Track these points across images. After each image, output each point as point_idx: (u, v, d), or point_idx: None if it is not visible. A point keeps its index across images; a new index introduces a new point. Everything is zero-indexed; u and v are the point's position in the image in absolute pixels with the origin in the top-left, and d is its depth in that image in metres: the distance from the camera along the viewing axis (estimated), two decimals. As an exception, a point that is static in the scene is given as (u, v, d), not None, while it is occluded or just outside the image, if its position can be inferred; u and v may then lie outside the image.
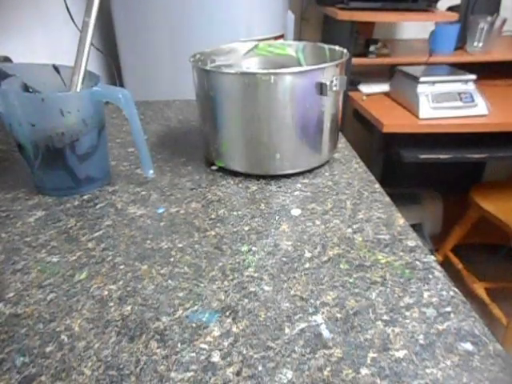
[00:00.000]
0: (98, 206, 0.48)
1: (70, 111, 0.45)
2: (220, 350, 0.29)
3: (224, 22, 0.99)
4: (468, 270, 1.56)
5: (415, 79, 1.29)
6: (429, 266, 0.38)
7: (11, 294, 0.35)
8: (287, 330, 0.31)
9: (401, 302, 0.34)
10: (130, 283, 0.36)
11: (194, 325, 0.32)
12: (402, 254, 0.39)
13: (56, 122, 0.45)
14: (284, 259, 0.39)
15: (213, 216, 0.46)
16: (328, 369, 0.28)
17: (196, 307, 0.33)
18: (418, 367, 0.28)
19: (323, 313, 0.33)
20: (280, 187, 0.51)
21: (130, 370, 0.28)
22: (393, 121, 1.27)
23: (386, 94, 1.48)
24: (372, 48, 1.48)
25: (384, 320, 0.32)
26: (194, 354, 0.29)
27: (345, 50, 0.56)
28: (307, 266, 0.38)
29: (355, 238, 0.41)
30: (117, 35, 1.04)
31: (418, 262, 0.38)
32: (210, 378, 0.28)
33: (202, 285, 0.36)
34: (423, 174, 1.88)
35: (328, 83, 0.48)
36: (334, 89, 0.49)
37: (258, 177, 0.53)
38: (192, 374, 0.28)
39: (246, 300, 0.34)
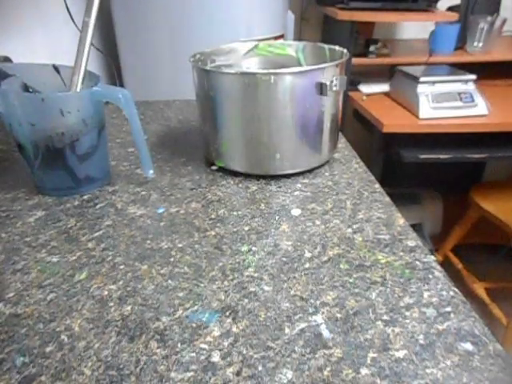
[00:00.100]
0: (98, 206, 0.48)
1: (70, 111, 0.45)
2: (220, 350, 0.29)
3: (224, 22, 0.99)
4: (468, 270, 1.56)
5: (415, 79, 1.29)
6: (429, 265, 0.38)
7: (11, 294, 0.35)
8: (287, 330, 0.31)
9: (401, 302, 0.34)
10: (130, 283, 0.36)
11: (194, 325, 0.32)
12: (401, 254, 0.39)
13: (56, 122, 0.45)
14: (284, 259, 0.39)
15: (213, 216, 0.46)
16: (328, 369, 0.28)
17: (196, 307, 0.33)
18: (418, 367, 0.28)
19: (323, 313, 0.33)
20: (280, 187, 0.51)
21: (130, 370, 0.28)
22: (393, 121, 1.27)
23: (386, 94, 1.48)
24: (372, 48, 1.48)
25: (384, 320, 0.32)
26: (193, 354, 0.29)
27: (345, 50, 0.56)
28: (307, 266, 0.38)
29: (355, 238, 0.41)
30: (117, 35, 1.04)
31: (417, 262, 0.38)
32: (209, 378, 0.28)
33: (202, 285, 0.36)
34: (423, 174, 1.88)
35: (328, 83, 0.48)
36: (334, 89, 0.49)
37: (258, 177, 0.53)
38: (192, 373, 0.28)
39: (246, 300, 0.34)
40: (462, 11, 1.51)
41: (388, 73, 1.63)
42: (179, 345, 0.30)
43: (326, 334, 0.31)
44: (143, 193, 0.50)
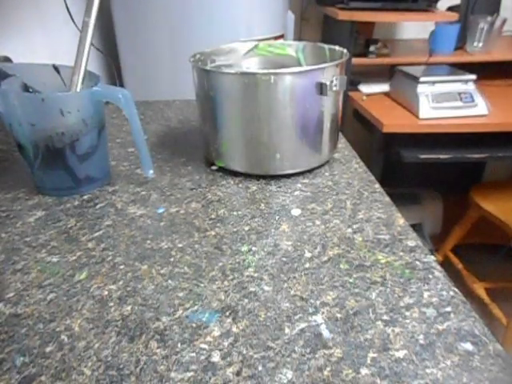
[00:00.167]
0: (98, 206, 0.48)
1: (70, 111, 0.45)
2: (220, 350, 0.29)
3: (224, 22, 0.99)
4: (468, 270, 1.56)
5: (415, 79, 1.29)
6: (429, 265, 0.38)
7: (11, 294, 0.35)
8: (287, 330, 0.31)
9: (401, 302, 0.34)
10: (130, 283, 0.36)
11: (193, 325, 0.32)
12: (401, 254, 0.39)
13: (56, 122, 0.45)
14: (284, 259, 0.39)
15: (213, 216, 0.46)
16: (328, 369, 0.28)
17: (196, 307, 0.33)
18: (417, 367, 0.28)
19: (323, 313, 0.33)
20: (280, 187, 0.51)
21: (130, 370, 0.28)
22: (393, 121, 1.27)
23: (386, 94, 1.48)
24: (372, 48, 1.48)
25: (384, 320, 0.32)
26: (193, 354, 0.29)
27: (345, 50, 0.56)
28: (307, 265, 0.38)
29: (355, 238, 0.41)
30: (117, 35, 1.04)
31: (418, 262, 0.38)
32: (209, 378, 0.28)
33: (202, 285, 0.36)
34: (423, 174, 1.88)
35: (328, 83, 0.48)
36: (334, 89, 0.49)
37: (258, 177, 0.53)
38: (192, 373, 0.28)
39: (246, 300, 0.34)
40: (462, 11, 1.51)
41: (388, 73, 1.63)
42: (179, 345, 0.30)
43: (325, 334, 0.31)
44: (143, 193, 0.50)
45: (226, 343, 0.30)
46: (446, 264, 1.57)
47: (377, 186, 0.52)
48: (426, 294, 0.34)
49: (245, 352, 0.29)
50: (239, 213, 0.46)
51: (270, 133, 0.50)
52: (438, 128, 1.25)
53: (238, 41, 0.80)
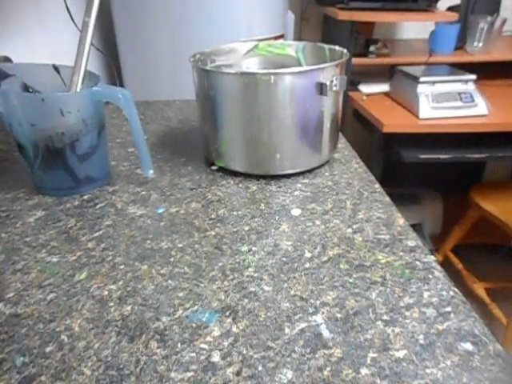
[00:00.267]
0: (98, 206, 0.48)
1: (70, 111, 0.45)
2: (220, 350, 0.29)
3: (224, 22, 0.99)
4: (468, 270, 1.56)
5: (415, 79, 1.29)
6: (429, 265, 0.38)
7: (11, 294, 0.35)
8: (287, 330, 0.31)
9: (401, 302, 0.34)
10: (130, 283, 0.36)
11: (193, 325, 0.32)
12: (401, 254, 0.39)
13: (56, 122, 0.45)
14: (284, 259, 0.39)
15: (213, 216, 0.46)
16: (328, 369, 0.28)
17: (196, 307, 0.33)
18: (417, 367, 0.28)
19: (323, 313, 0.33)
20: (280, 187, 0.51)
21: (130, 370, 0.28)
22: (393, 121, 1.27)
23: (386, 94, 1.48)
24: (372, 48, 1.48)
25: (384, 320, 0.32)
26: (193, 354, 0.29)
27: (345, 50, 0.56)
28: (307, 265, 0.38)
29: (355, 238, 0.41)
30: (117, 35, 1.04)
31: (418, 262, 0.38)
32: (209, 378, 0.28)
33: (202, 285, 0.36)
34: (423, 174, 1.88)
35: (328, 83, 0.48)
36: (334, 89, 0.49)
37: (258, 177, 0.53)
38: (192, 373, 0.28)
39: (246, 300, 0.34)
40: (462, 11, 1.51)
41: (388, 73, 1.63)
42: (179, 345, 0.30)
43: (325, 333, 0.31)
44: (143, 193, 0.50)
45: (225, 343, 0.30)
46: (446, 264, 1.57)
47: (377, 185, 0.52)
48: (425, 294, 0.34)
49: (245, 352, 0.29)
50: (239, 213, 0.46)
51: (270, 133, 0.50)
52: (437, 128, 1.25)
53: (238, 41, 0.80)
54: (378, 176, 1.36)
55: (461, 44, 1.56)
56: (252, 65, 0.64)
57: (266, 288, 0.35)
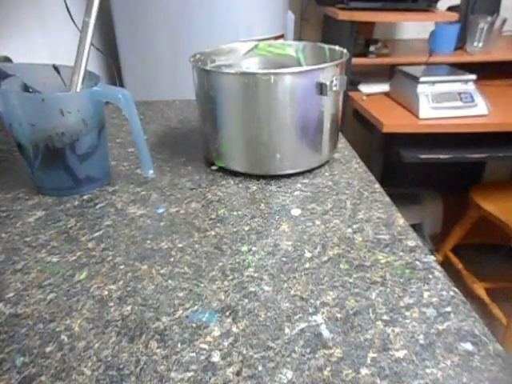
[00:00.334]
0: (98, 206, 0.48)
1: (70, 111, 0.45)
2: (220, 350, 0.29)
3: (224, 22, 0.99)
4: (468, 270, 1.56)
5: (415, 79, 1.29)
6: (429, 266, 0.38)
7: (11, 294, 0.35)
8: (287, 330, 0.31)
9: (401, 302, 0.34)
10: (130, 283, 0.36)
11: (193, 325, 0.32)
12: (401, 254, 0.39)
13: (56, 122, 0.45)
14: (284, 259, 0.39)
15: (213, 216, 0.46)
16: (328, 369, 0.28)
17: (196, 307, 0.33)
18: (418, 367, 0.28)
19: (323, 313, 0.33)
20: (280, 187, 0.51)
21: (130, 370, 0.28)
22: (393, 121, 1.27)
23: (386, 94, 1.48)
24: (372, 48, 1.48)
25: (384, 320, 0.32)
26: (193, 354, 0.29)
27: (345, 50, 0.56)
28: (307, 265, 0.38)
29: (355, 238, 0.41)
30: (117, 35, 1.04)
31: (418, 262, 0.38)
32: (209, 378, 0.28)
33: (202, 285, 0.36)
34: (423, 174, 1.88)
35: (328, 83, 0.48)
36: (334, 89, 0.49)
37: (258, 177, 0.53)
38: (192, 373, 0.28)
39: (246, 300, 0.34)
40: (462, 11, 1.51)
41: (388, 73, 1.63)
42: (179, 345, 0.30)
43: (326, 333, 0.31)
44: (143, 193, 0.50)
45: (226, 343, 0.30)
46: (446, 264, 1.57)
47: (377, 185, 0.52)
48: (425, 294, 0.34)
49: (245, 352, 0.29)
50: (239, 213, 0.46)
51: (270, 133, 0.50)
52: (438, 128, 1.25)
53: (238, 41, 0.80)
54: (378, 176, 1.36)
55: (461, 44, 1.56)
56: (252, 65, 0.64)
57: (266, 288, 0.35)
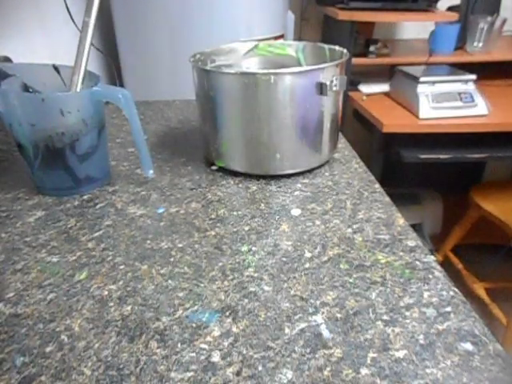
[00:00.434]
0: (98, 206, 0.48)
1: (70, 111, 0.45)
2: (220, 350, 0.29)
3: (224, 22, 0.99)
4: (468, 270, 1.56)
5: (415, 79, 1.29)
6: (429, 266, 0.38)
7: (11, 294, 0.35)
8: (287, 330, 0.31)
9: (401, 302, 0.34)
10: (130, 283, 0.36)
11: (193, 325, 0.32)
12: (401, 253, 0.39)
13: (56, 122, 0.45)
14: (284, 259, 0.39)
15: (213, 216, 0.46)
16: (328, 369, 0.28)
17: (196, 307, 0.33)
18: (418, 367, 0.28)
19: (323, 313, 0.33)
20: (280, 187, 0.51)
21: (130, 370, 0.28)
22: (393, 121, 1.27)
23: (386, 94, 1.48)
24: (372, 48, 1.48)
25: (384, 320, 0.32)
26: (193, 354, 0.29)
27: (345, 50, 0.56)
28: (307, 265, 0.38)
29: (355, 238, 0.41)
30: (117, 35, 1.04)
31: (418, 262, 0.38)
32: (209, 378, 0.28)
33: (202, 285, 0.36)
34: (423, 174, 1.88)
35: (328, 83, 0.48)
36: (334, 89, 0.49)
37: (258, 177, 0.53)
38: (192, 373, 0.28)
39: (246, 300, 0.34)
40: (462, 11, 1.51)
41: (388, 73, 1.63)
42: (179, 345, 0.30)
43: (326, 333, 0.31)
44: (143, 193, 0.50)
45: (225, 343, 0.30)
46: (446, 264, 1.57)
47: (377, 185, 0.52)
48: (425, 294, 0.34)
49: (245, 352, 0.29)
50: (239, 213, 0.46)
51: (270, 133, 0.50)
52: (438, 128, 1.25)
53: (238, 41, 0.80)
54: (378, 176, 1.36)
55: (461, 44, 1.56)
56: (252, 65, 0.64)
57: (266, 288, 0.35)
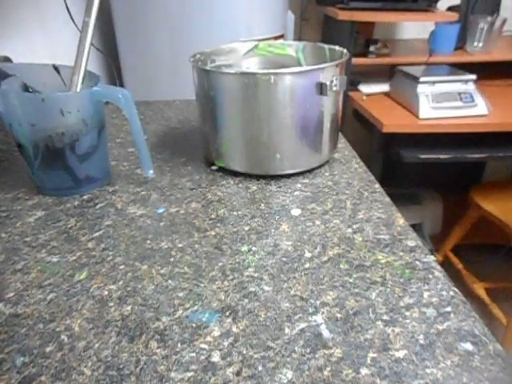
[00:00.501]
0: (98, 206, 0.48)
1: (70, 111, 0.45)
2: (220, 350, 0.29)
3: (224, 22, 0.99)
4: (468, 270, 1.56)
5: (415, 79, 1.29)
6: (429, 266, 0.38)
7: (11, 294, 0.35)
8: (287, 330, 0.31)
9: (401, 302, 0.34)
10: (130, 283, 0.36)
11: (193, 325, 0.32)
12: (401, 254, 0.39)
13: (56, 122, 0.45)
14: (284, 259, 0.39)
15: (213, 216, 0.46)
16: (328, 369, 0.28)
17: (196, 307, 0.33)
18: (418, 367, 0.28)
19: (323, 313, 0.33)
20: (280, 187, 0.51)
21: (130, 370, 0.28)
22: (393, 121, 1.27)
23: (386, 94, 1.48)
24: (372, 48, 1.48)
25: (384, 320, 0.32)
26: (193, 354, 0.29)
27: (345, 50, 0.56)
28: (307, 266, 0.38)
29: (355, 238, 0.41)
30: (117, 35, 1.04)
31: (418, 262, 0.38)
32: (209, 378, 0.28)
33: (202, 285, 0.36)
34: (423, 174, 1.88)
35: (328, 83, 0.48)
36: (334, 89, 0.49)
37: (258, 177, 0.53)
38: (192, 373, 0.28)
39: (246, 300, 0.34)
40: (462, 11, 1.51)
41: (388, 73, 1.63)
42: (179, 345, 0.30)
43: (326, 333, 0.31)
44: (143, 193, 0.50)
45: (226, 343, 0.30)
46: (446, 264, 1.57)
47: (377, 185, 0.52)
48: (425, 294, 0.34)
49: (245, 352, 0.29)
50: (239, 213, 0.46)
51: (270, 133, 0.50)
52: (438, 128, 1.25)
53: (238, 41, 0.80)
54: (378, 176, 1.36)
55: (461, 44, 1.56)
56: (252, 65, 0.64)
57: (266, 288, 0.35)
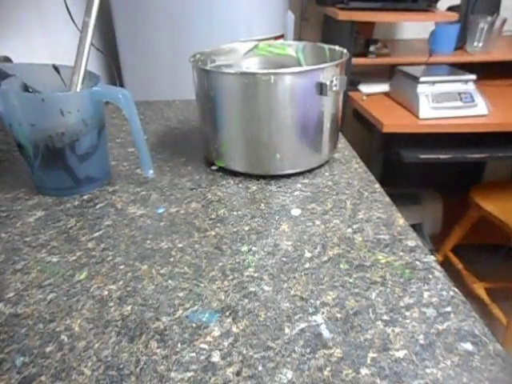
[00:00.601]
0: (98, 206, 0.48)
1: (70, 111, 0.45)
2: (220, 350, 0.29)
3: (224, 22, 0.99)
4: (468, 270, 1.56)
5: (415, 79, 1.29)
6: (429, 266, 0.38)
7: (11, 294, 0.35)
8: (287, 330, 0.31)
9: (401, 302, 0.34)
10: (130, 283, 0.36)
11: (193, 325, 0.32)
12: (401, 253, 0.39)
13: (56, 122, 0.45)
14: (284, 259, 0.39)
15: (213, 216, 0.46)
16: (328, 369, 0.28)
17: (196, 307, 0.33)
18: (418, 367, 0.28)
19: (323, 313, 0.33)
20: (280, 187, 0.51)
21: (130, 370, 0.28)
22: (393, 121, 1.27)
23: (386, 94, 1.48)
24: (372, 48, 1.48)
25: (384, 320, 0.32)
26: (193, 354, 0.29)
27: (345, 50, 0.56)
28: (307, 266, 0.38)
29: (355, 238, 0.41)
30: (117, 35, 1.04)
31: (418, 262, 0.38)
32: (209, 378, 0.28)
33: (202, 285, 0.36)
34: (423, 174, 1.88)
35: (328, 83, 0.48)
36: (334, 89, 0.49)
37: (258, 177, 0.53)
38: (192, 373, 0.28)
39: (246, 300, 0.34)
40: (462, 11, 1.51)
41: (388, 73, 1.63)
42: (179, 345, 0.30)
43: (326, 333, 0.31)
44: (143, 193, 0.50)
45: (226, 343, 0.30)
46: (446, 264, 1.57)
47: (377, 185, 0.52)
48: (425, 294, 0.34)
49: (245, 352, 0.29)
50: (239, 213, 0.46)
51: (270, 133, 0.50)
52: (438, 128, 1.25)
53: (238, 41, 0.80)
54: (378, 176, 1.36)
55: (461, 44, 1.56)
56: (252, 65, 0.64)
57: (266, 288, 0.35)
